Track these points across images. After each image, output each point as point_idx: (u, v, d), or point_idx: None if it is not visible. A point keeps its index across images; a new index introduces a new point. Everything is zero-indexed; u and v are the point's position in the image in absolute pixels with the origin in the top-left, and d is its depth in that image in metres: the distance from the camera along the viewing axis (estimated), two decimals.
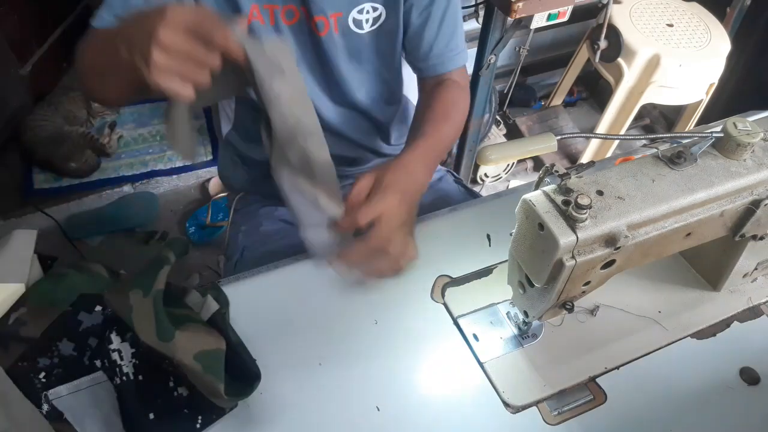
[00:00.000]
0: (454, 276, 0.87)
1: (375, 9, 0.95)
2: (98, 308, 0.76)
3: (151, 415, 0.69)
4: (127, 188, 2.14)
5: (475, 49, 1.66)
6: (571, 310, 0.73)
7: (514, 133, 2.33)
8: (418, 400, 0.75)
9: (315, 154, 0.74)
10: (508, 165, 2.16)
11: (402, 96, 1.16)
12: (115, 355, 0.71)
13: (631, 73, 1.85)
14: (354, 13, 0.94)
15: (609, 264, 0.67)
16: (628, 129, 2.02)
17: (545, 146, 0.70)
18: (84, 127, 2.16)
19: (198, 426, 0.70)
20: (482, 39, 1.64)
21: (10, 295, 0.75)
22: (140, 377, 0.71)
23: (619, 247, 0.63)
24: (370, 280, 0.77)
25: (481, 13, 1.72)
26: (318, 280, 0.86)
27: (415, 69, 1.08)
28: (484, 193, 2.01)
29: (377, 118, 1.13)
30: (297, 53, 0.97)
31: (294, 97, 0.72)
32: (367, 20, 0.95)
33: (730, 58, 1.88)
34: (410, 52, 1.04)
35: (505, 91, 2.34)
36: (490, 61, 1.64)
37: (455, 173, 1.30)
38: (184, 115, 0.71)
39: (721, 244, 0.79)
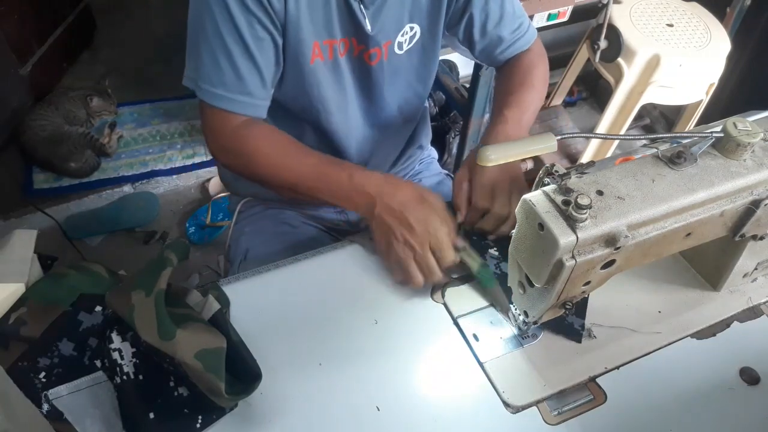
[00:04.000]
0: (454, 276, 0.87)
1: (412, 29, 0.96)
2: (98, 308, 0.76)
3: (152, 415, 0.69)
4: (127, 188, 2.14)
5: None
6: (571, 310, 0.73)
7: None
8: (418, 400, 0.75)
9: None
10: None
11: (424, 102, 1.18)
12: (115, 355, 0.71)
13: (631, 73, 1.85)
14: (398, 37, 0.96)
15: (609, 264, 0.67)
16: (628, 129, 2.02)
17: (545, 146, 0.70)
18: (84, 127, 2.16)
19: (198, 426, 0.70)
20: None
21: (10, 295, 0.75)
22: (141, 377, 0.71)
23: (619, 247, 0.63)
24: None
25: None
26: (318, 281, 0.86)
27: (489, 63, 1.09)
28: None
29: (403, 131, 1.15)
30: (349, 82, 0.98)
31: None
32: (406, 41, 0.97)
33: (730, 58, 1.87)
34: (481, 52, 1.05)
35: None
36: None
37: (453, 176, 1.30)
38: None
39: (721, 244, 0.79)
